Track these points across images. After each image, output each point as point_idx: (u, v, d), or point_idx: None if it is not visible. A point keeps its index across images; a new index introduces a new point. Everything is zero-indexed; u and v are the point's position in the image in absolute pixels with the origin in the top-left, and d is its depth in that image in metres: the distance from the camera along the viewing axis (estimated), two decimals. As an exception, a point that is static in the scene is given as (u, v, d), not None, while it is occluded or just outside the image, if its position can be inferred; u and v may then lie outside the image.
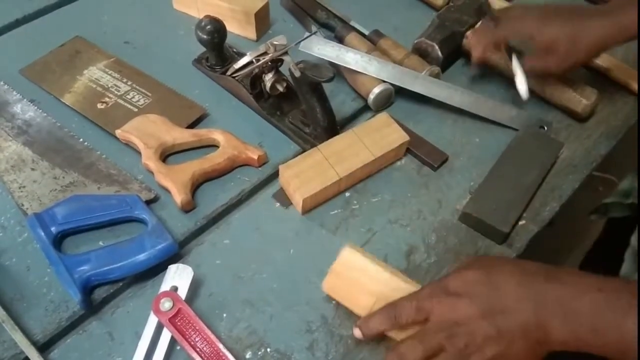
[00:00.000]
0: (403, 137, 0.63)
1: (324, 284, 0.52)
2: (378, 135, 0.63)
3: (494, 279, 0.43)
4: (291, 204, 0.61)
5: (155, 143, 0.63)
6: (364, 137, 0.62)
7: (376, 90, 0.68)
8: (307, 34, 0.66)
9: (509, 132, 0.69)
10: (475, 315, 0.42)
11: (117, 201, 0.59)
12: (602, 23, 0.58)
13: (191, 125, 0.68)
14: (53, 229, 0.56)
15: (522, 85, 0.67)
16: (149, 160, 0.62)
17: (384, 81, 0.69)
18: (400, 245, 0.59)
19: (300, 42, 0.64)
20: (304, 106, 0.65)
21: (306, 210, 0.61)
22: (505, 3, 0.83)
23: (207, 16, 0.69)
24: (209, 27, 0.68)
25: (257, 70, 0.66)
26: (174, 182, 0.59)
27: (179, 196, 0.59)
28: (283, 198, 0.62)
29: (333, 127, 0.65)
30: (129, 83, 0.71)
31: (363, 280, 0.51)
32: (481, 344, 0.41)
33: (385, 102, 0.71)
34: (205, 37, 0.68)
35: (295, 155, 0.66)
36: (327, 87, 0.67)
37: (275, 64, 0.66)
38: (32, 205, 0.59)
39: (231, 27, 0.77)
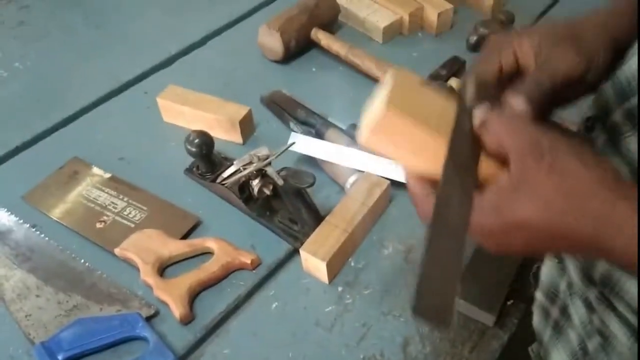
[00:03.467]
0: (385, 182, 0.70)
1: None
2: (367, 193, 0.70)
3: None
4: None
5: (152, 258, 0.66)
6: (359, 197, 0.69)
7: (351, 179, 0.72)
8: (289, 142, 0.71)
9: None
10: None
11: (119, 321, 0.61)
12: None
13: (186, 235, 0.71)
14: (60, 356, 0.58)
15: None
16: (147, 276, 0.65)
17: (359, 170, 0.73)
18: (395, 338, 0.61)
19: (280, 153, 0.69)
20: (290, 208, 0.69)
21: (332, 275, 0.65)
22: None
23: (194, 131, 0.74)
24: (197, 140, 0.73)
25: (243, 178, 0.70)
26: (172, 297, 0.62)
27: (177, 310, 0.61)
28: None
29: (319, 223, 0.68)
30: (125, 199, 0.75)
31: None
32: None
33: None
34: (194, 149, 0.73)
35: (287, 254, 0.69)
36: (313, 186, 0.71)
37: (260, 171, 0.70)
38: (39, 334, 0.62)
39: (218, 134, 0.83)
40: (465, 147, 0.39)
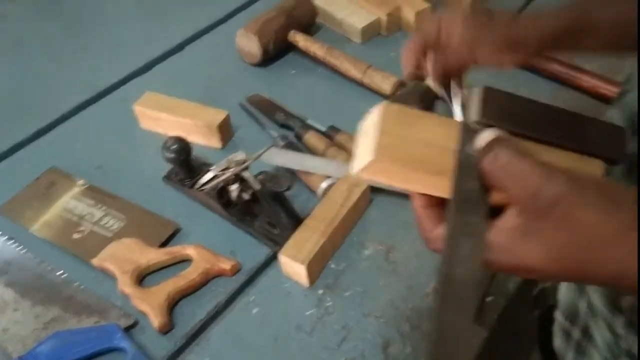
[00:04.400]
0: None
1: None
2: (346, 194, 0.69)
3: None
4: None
5: (130, 267, 0.65)
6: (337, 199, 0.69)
7: (324, 185, 0.72)
8: (264, 148, 0.70)
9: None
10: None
11: (97, 333, 0.60)
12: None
13: (165, 242, 0.71)
14: (36, 370, 0.57)
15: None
16: (125, 286, 0.64)
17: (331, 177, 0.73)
18: (376, 339, 0.60)
19: (257, 158, 0.69)
20: (269, 212, 0.68)
21: (312, 278, 0.65)
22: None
23: (171, 137, 0.73)
24: (174, 146, 0.72)
25: (222, 183, 0.70)
26: (150, 306, 0.61)
27: (156, 319, 0.61)
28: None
29: (298, 226, 0.68)
30: (103, 208, 0.75)
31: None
32: None
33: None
34: (171, 156, 0.73)
35: (267, 259, 0.69)
36: (290, 190, 0.71)
37: (238, 176, 0.70)
38: (16, 348, 0.61)
39: (197, 139, 0.82)
40: (472, 181, 0.34)
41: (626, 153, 0.35)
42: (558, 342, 0.57)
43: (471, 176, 0.34)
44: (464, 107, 0.37)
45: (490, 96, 0.36)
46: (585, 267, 0.32)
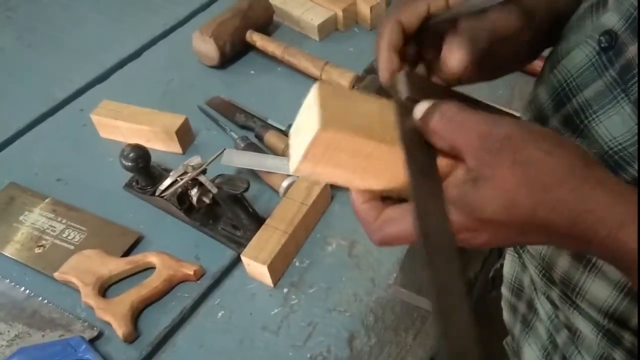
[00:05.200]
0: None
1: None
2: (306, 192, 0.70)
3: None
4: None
5: (92, 279, 0.65)
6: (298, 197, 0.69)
7: (284, 184, 0.72)
8: (219, 152, 0.70)
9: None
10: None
11: (62, 346, 0.60)
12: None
13: (128, 251, 0.70)
14: (0, 389, 0.57)
15: None
16: (88, 297, 0.64)
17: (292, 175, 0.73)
18: (341, 333, 0.61)
19: (211, 161, 0.69)
20: (230, 215, 0.68)
21: (276, 278, 0.65)
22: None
23: (128, 145, 0.73)
24: (131, 154, 0.72)
25: (181, 188, 0.70)
26: (113, 316, 0.61)
27: (119, 329, 0.60)
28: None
29: (261, 227, 0.68)
30: (64, 221, 0.74)
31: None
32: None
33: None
34: (129, 164, 0.72)
35: (231, 261, 0.69)
36: (252, 191, 0.71)
37: (196, 181, 0.70)
38: (-22, 368, 0.60)
39: (157, 146, 0.82)
40: (420, 150, 0.35)
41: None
42: (506, 316, 0.59)
43: (418, 146, 0.35)
44: (392, 90, 0.37)
45: (414, 77, 0.37)
46: (539, 214, 0.31)
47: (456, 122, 0.33)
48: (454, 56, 0.39)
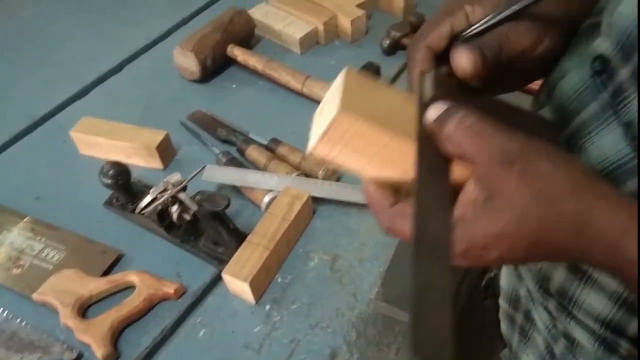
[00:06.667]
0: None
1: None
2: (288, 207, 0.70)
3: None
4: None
5: (71, 300, 0.64)
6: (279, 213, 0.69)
7: (266, 199, 0.72)
8: (199, 168, 0.70)
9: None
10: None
11: (39, 370, 0.59)
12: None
13: (108, 270, 0.70)
14: (-25, 415, 0.56)
15: None
16: (67, 318, 0.63)
17: (273, 190, 0.73)
18: (323, 350, 0.61)
19: (192, 178, 0.68)
20: (211, 232, 0.68)
21: (258, 294, 0.65)
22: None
23: (108, 162, 0.72)
24: (111, 172, 0.72)
25: (161, 206, 0.69)
26: (92, 337, 0.61)
27: (99, 351, 0.60)
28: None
29: (242, 243, 0.68)
30: (43, 240, 0.73)
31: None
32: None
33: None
34: (109, 181, 0.72)
35: (213, 278, 0.69)
36: (234, 206, 0.71)
37: (176, 198, 0.69)
38: (-46, 393, 0.59)
39: (137, 162, 0.82)
40: (434, 149, 0.35)
41: (557, 143, 0.36)
42: (504, 327, 0.59)
43: (433, 145, 0.35)
44: (418, 88, 0.37)
45: (442, 78, 0.37)
46: (547, 227, 0.32)
47: (473, 131, 0.34)
48: (463, 55, 0.40)
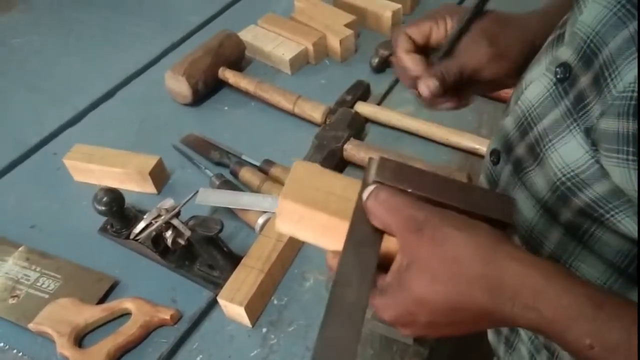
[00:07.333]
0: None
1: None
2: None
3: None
4: (211, 355, 0.63)
5: (67, 329, 0.64)
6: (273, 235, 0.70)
7: (260, 221, 0.73)
8: (193, 192, 0.71)
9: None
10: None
11: (36, 402, 0.59)
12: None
13: (103, 298, 0.69)
14: None
15: None
16: (64, 348, 0.63)
17: (267, 212, 0.74)
18: (320, 371, 0.61)
19: (185, 204, 0.69)
20: (205, 256, 0.68)
21: (254, 317, 0.65)
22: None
23: (101, 189, 0.73)
24: (104, 199, 0.72)
25: (155, 231, 0.69)
26: (90, 367, 0.60)
27: (96, 381, 0.60)
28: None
29: (237, 266, 0.68)
30: (38, 269, 0.73)
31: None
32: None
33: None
34: (103, 208, 0.72)
35: (209, 303, 0.69)
36: (228, 229, 0.71)
37: (170, 223, 0.70)
38: None
39: (131, 187, 0.82)
40: (365, 225, 0.39)
41: (513, 217, 0.38)
42: (491, 337, 0.60)
43: (364, 221, 0.39)
44: (366, 172, 0.42)
45: (387, 162, 0.40)
46: (459, 289, 0.34)
47: (387, 206, 0.38)
48: (424, 84, 0.50)
